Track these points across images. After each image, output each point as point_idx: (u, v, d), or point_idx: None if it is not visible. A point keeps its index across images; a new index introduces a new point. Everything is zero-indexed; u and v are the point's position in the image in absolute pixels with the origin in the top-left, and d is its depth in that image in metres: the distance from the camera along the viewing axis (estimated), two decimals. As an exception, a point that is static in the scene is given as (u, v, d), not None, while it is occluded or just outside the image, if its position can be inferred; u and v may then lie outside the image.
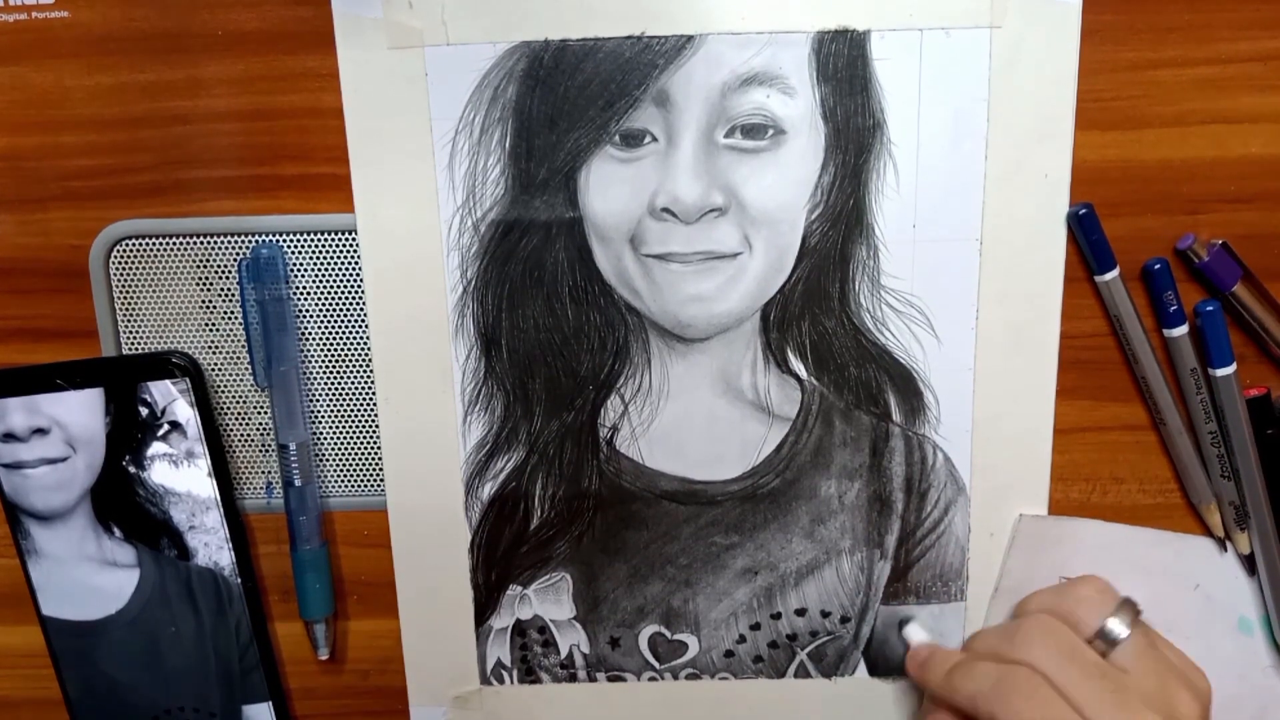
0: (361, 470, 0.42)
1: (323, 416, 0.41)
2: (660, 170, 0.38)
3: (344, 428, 0.42)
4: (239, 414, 0.41)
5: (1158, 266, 0.38)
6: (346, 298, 0.40)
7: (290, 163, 0.39)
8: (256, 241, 0.40)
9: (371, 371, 0.41)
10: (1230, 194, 0.39)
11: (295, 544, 0.41)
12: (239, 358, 0.41)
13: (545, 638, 0.43)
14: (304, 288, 0.40)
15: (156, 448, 0.41)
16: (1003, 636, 0.37)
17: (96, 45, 0.38)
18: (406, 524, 0.42)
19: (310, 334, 0.41)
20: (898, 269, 0.39)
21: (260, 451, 0.42)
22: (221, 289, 0.40)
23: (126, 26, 0.38)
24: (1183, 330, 0.39)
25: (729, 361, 0.40)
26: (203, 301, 0.40)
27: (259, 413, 0.41)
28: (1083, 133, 0.38)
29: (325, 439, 0.42)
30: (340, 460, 0.42)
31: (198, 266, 0.40)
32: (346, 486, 0.42)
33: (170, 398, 0.40)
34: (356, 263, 0.40)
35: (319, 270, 0.40)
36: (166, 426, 0.40)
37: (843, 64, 0.38)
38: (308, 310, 0.40)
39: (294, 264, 0.40)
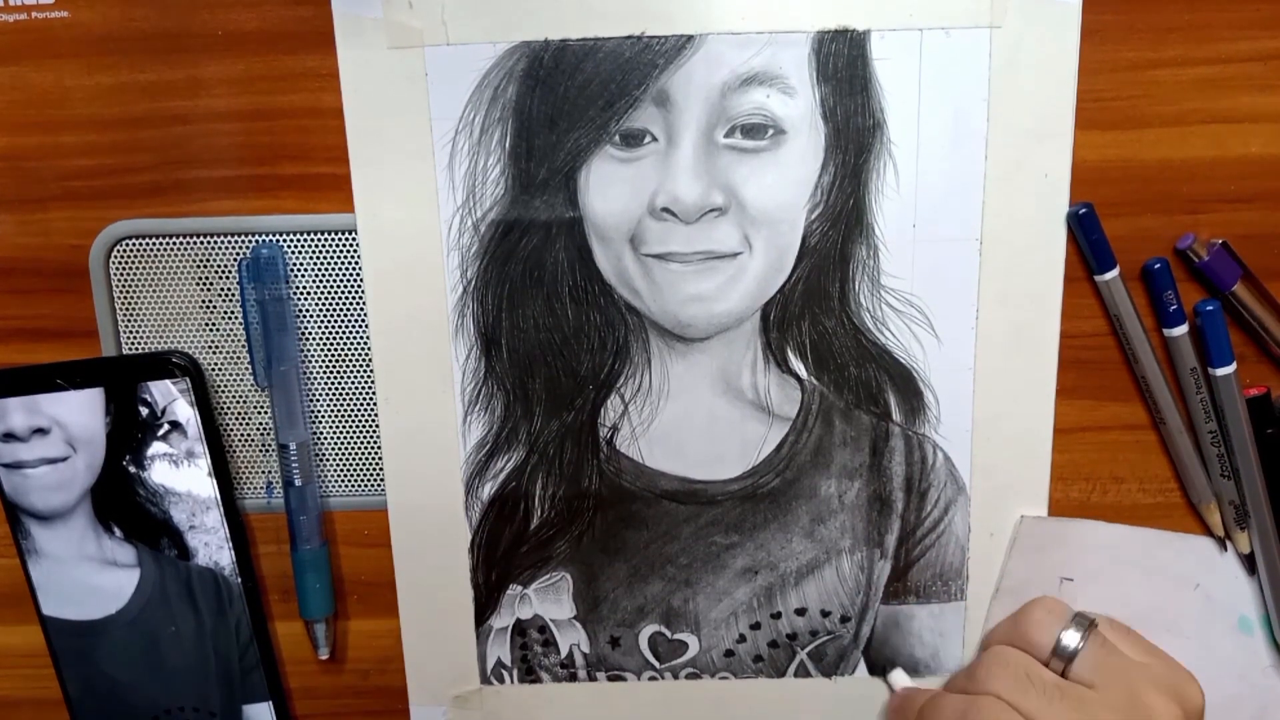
0: (361, 470, 0.42)
1: (323, 416, 0.41)
2: (660, 170, 0.38)
3: (344, 428, 0.42)
4: (239, 414, 0.41)
5: (1158, 266, 0.38)
6: (346, 298, 0.40)
7: (290, 163, 0.39)
8: (256, 241, 0.40)
9: (371, 371, 0.41)
10: (1230, 194, 0.39)
11: (295, 544, 0.41)
12: (239, 358, 0.41)
13: (545, 637, 0.43)
14: (304, 288, 0.40)
15: (157, 447, 0.41)
16: (968, 674, 0.38)
17: (96, 45, 0.38)
18: (406, 524, 0.42)
19: (310, 334, 0.41)
20: (898, 269, 0.39)
21: (260, 451, 0.42)
22: (221, 289, 0.40)
23: (126, 26, 0.38)
24: (1183, 330, 0.39)
25: (729, 361, 0.40)
26: (203, 301, 0.40)
27: (259, 413, 0.41)
28: (1083, 132, 0.38)
29: (325, 439, 0.42)
30: (340, 460, 0.42)
31: (198, 266, 0.40)
32: (346, 486, 0.42)
33: (170, 398, 0.40)
34: (356, 263, 0.40)
35: (319, 270, 0.40)
36: (167, 426, 0.40)
37: (843, 64, 0.38)
38: (308, 310, 0.40)
39: (294, 264, 0.40)
